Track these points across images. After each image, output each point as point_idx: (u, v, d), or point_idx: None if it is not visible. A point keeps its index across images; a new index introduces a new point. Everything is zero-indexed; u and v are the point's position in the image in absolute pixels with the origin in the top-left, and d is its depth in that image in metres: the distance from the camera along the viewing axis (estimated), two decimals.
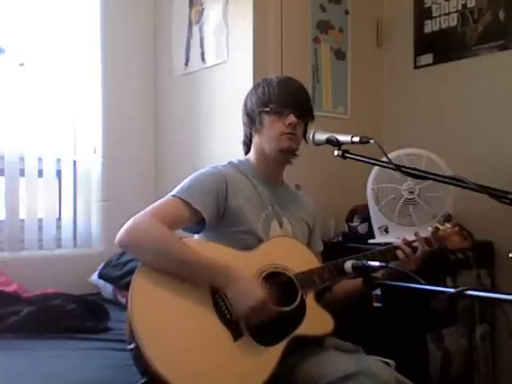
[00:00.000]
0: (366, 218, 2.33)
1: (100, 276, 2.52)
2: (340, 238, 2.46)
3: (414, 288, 1.19)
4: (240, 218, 1.54)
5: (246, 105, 1.68)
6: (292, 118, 1.56)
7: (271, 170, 1.67)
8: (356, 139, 1.35)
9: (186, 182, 1.55)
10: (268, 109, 1.58)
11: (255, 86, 1.68)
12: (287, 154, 1.63)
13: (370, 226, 2.29)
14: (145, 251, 1.40)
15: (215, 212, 1.52)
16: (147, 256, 1.40)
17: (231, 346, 1.33)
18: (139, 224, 1.43)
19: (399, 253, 1.58)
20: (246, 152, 1.73)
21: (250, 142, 1.69)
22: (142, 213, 1.46)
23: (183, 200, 1.49)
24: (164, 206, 1.50)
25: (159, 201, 1.51)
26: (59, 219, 2.68)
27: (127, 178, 2.88)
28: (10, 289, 2.14)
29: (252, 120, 1.64)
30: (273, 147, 1.59)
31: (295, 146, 1.60)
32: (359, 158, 1.36)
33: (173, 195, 1.51)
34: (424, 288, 1.17)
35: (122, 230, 1.42)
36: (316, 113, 1.68)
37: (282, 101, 1.58)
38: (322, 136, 1.46)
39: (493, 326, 2.39)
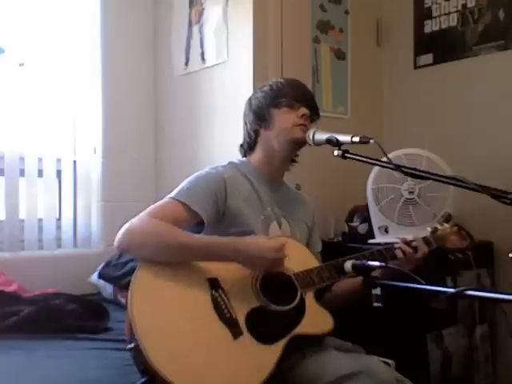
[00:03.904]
0: (366, 218, 2.33)
1: (100, 276, 2.52)
2: (340, 238, 2.47)
3: (414, 288, 1.19)
4: (239, 219, 1.54)
5: (250, 104, 1.68)
6: (305, 110, 1.58)
7: (274, 170, 1.67)
8: (356, 139, 1.35)
9: (184, 183, 1.55)
10: (282, 100, 1.59)
11: (260, 87, 1.68)
12: (296, 147, 1.62)
13: (370, 226, 2.29)
14: (149, 248, 1.39)
15: (214, 213, 1.52)
16: (152, 251, 1.39)
17: (231, 344, 1.33)
18: (139, 224, 1.43)
19: (398, 253, 1.58)
20: (244, 155, 1.73)
21: (255, 141, 1.68)
22: (140, 215, 1.46)
23: (182, 202, 1.48)
24: (163, 207, 1.49)
25: (157, 203, 1.51)
26: (59, 219, 2.67)
27: (127, 178, 2.88)
28: (10, 289, 2.13)
29: (260, 116, 1.63)
30: (283, 139, 1.59)
31: (306, 140, 1.58)
32: (359, 158, 1.36)
33: (171, 197, 1.51)
34: (424, 288, 1.17)
35: (121, 233, 1.42)
36: None
37: (294, 95, 1.60)
38: (322, 136, 1.47)
39: (493, 326, 2.39)
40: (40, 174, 2.58)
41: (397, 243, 1.61)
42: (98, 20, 2.79)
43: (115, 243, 1.42)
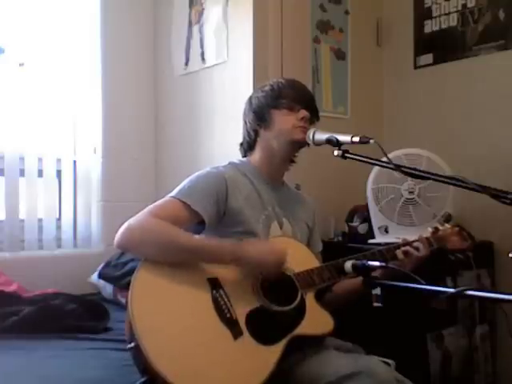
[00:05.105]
0: (366, 218, 2.33)
1: (100, 276, 2.52)
2: (340, 238, 2.47)
3: (414, 288, 1.19)
4: (240, 219, 1.54)
5: (251, 103, 1.68)
6: (305, 112, 1.58)
7: (274, 170, 1.67)
8: (356, 139, 1.35)
9: (185, 183, 1.55)
10: (282, 101, 1.59)
11: (260, 87, 1.68)
12: (296, 148, 1.63)
13: (370, 226, 2.29)
14: (148, 246, 1.39)
15: (215, 213, 1.52)
16: (151, 250, 1.39)
17: (231, 344, 1.33)
18: (139, 222, 1.42)
19: (399, 253, 1.59)
20: (244, 155, 1.73)
21: (254, 141, 1.68)
22: (141, 213, 1.45)
23: (183, 201, 1.48)
24: (163, 206, 1.49)
25: (158, 201, 1.51)
26: (59, 219, 2.67)
27: (127, 178, 2.88)
28: (10, 289, 2.13)
29: (259, 117, 1.63)
30: (283, 140, 1.59)
31: (306, 141, 1.58)
32: (359, 158, 1.36)
33: (172, 196, 1.51)
34: (424, 288, 1.17)
35: (120, 232, 1.41)
36: None
37: (294, 96, 1.60)
38: (322, 136, 1.47)
39: (493, 326, 2.39)
40: (40, 174, 2.58)
41: (398, 243, 1.62)
42: (98, 20, 2.79)
43: (115, 241, 1.42)
